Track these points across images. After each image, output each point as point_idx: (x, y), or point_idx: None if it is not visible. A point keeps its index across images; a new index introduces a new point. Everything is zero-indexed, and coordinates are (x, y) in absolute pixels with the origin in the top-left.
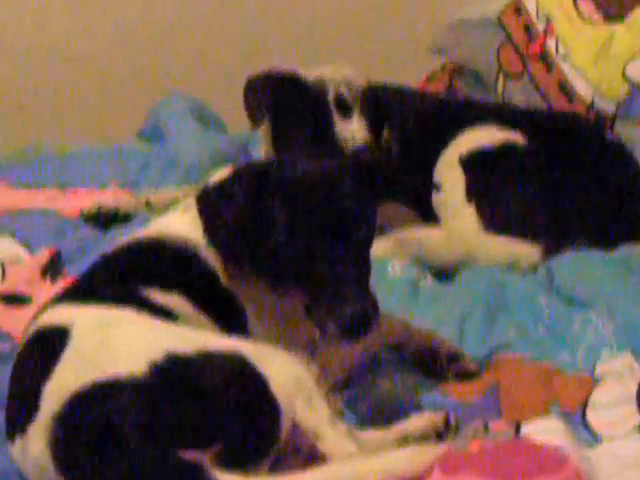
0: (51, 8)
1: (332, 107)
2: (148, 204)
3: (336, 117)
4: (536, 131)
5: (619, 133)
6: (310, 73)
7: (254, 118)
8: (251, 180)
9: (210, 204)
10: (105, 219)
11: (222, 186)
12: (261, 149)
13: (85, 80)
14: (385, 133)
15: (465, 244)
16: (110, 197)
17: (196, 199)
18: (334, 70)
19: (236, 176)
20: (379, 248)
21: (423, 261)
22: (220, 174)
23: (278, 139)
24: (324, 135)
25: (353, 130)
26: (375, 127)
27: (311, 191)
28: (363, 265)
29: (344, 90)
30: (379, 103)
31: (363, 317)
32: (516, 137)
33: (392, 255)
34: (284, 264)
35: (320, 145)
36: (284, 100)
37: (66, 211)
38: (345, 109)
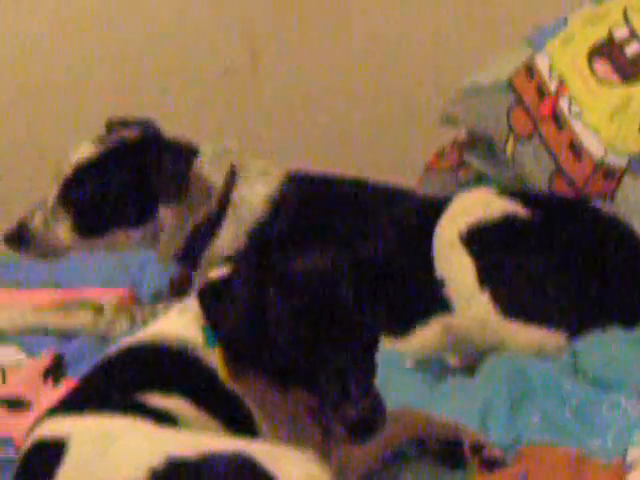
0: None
1: None
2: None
3: None
4: (533, 203)
5: (627, 187)
6: None
7: None
8: (253, 275)
9: (210, 299)
10: None
11: (223, 281)
12: None
13: None
14: None
15: (487, 334)
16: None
17: (197, 295)
18: None
19: (237, 271)
20: (426, 337)
21: (457, 348)
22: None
23: None
24: None
25: None
26: None
27: (313, 288)
28: (367, 364)
29: None
30: None
31: (369, 418)
32: (516, 208)
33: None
34: (285, 362)
35: None
36: None
37: None
38: None
